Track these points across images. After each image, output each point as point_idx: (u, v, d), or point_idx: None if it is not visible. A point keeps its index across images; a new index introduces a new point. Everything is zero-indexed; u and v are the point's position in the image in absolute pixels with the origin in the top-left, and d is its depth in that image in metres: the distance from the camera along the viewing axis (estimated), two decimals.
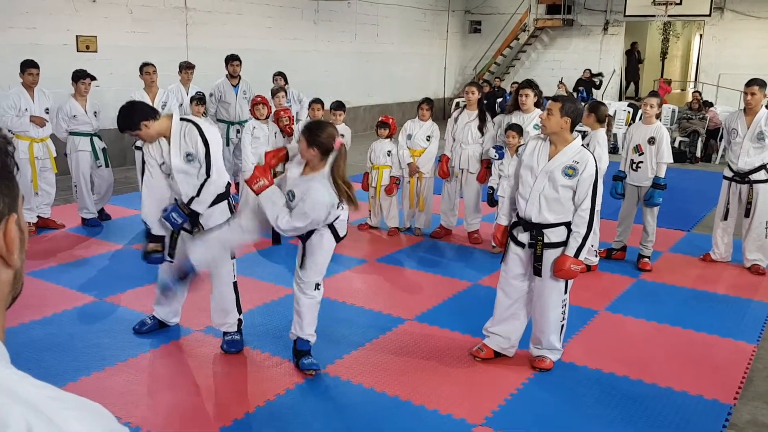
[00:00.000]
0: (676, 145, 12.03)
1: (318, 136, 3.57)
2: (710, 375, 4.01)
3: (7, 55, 7.99)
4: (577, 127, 3.99)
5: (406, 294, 5.36)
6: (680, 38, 23.67)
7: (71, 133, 6.76)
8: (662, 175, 5.78)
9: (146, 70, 7.17)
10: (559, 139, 3.82)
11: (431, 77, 17.90)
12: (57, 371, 3.77)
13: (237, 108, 8.25)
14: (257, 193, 3.68)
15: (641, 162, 5.84)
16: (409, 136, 6.75)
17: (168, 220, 3.93)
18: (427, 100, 6.85)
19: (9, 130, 6.12)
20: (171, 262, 4.08)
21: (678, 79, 23.73)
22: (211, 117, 8.05)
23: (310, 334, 3.93)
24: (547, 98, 4.74)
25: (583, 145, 3.93)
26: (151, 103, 6.61)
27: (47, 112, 6.63)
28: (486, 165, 6.45)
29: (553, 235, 3.83)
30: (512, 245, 4.00)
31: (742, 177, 5.94)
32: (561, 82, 14.98)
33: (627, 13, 16.19)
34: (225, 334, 4.18)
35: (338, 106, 6.97)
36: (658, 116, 5.99)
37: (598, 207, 3.94)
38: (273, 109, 7.15)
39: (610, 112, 13.32)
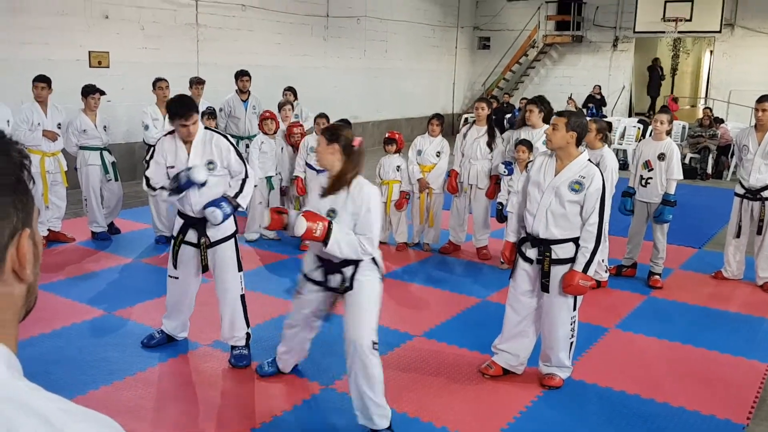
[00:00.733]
0: (687, 161, 11.98)
1: (338, 133, 3.41)
2: (723, 394, 3.96)
3: (20, 70, 8.08)
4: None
5: (414, 310, 5.34)
6: (690, 54, 23.64)
7: (81, 148, 6.81)
8: (672, 191, 5.74)
9: (159, 85, 7.23)
10: (565, 154, 3.81)
11: (440, 93, 17.96)
12: (65, 384, 3.76)
13: (246, 123, 8.31)
14: (324, 240, 3.26)
15: (650, 178, 5.81)
16: (419, 152, 6.75)
17: (218, 207, 3.98)
18: (438, 116, 6.85)
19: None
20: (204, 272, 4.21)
21: (688, 96, 23.69)
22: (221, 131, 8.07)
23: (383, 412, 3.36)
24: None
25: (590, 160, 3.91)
26: (163, 119, 6.67)
27: (59, 127, 6.70)
28: (495, 180, 6.44)
29: (560, 251, 3.81)
30: (520, 261, 3.98)
31: (753, 194, 5.90)
32: (570, 98, 15.00)
33: (637, 30, 16.19)
34: (233, 348, 4.18)
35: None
36: (668, 132, 5.98)
37: (606, 220, 3.91)
38: (280, 123, 7.12)
39: (620, 128, 13.37)
